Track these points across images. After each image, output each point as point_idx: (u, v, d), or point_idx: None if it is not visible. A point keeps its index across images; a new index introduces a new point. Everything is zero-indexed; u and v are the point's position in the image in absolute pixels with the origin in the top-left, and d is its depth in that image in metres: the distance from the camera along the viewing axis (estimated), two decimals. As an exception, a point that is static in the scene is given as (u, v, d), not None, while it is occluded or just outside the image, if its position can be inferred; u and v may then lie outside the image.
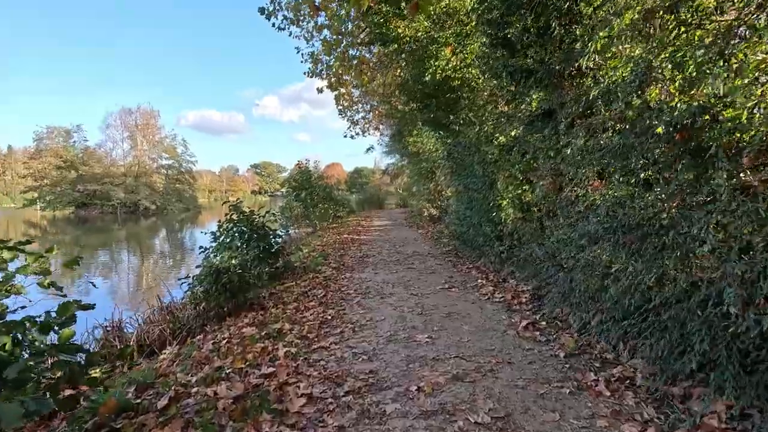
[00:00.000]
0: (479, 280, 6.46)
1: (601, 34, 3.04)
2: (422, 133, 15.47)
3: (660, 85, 2.78)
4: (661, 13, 2.76)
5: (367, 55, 13.98)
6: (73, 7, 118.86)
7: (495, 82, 6.49)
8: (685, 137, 2.58)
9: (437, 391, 3.08)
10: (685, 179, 2.55)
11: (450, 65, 7.13)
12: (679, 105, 2.62)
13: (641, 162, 2.98)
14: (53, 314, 2.79)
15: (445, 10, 7.02)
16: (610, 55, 3.30)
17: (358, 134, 18.25)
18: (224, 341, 4.56)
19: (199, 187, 67.35)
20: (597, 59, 3.38)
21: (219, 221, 7.63)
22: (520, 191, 5.58)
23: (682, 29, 2.58)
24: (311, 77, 13.13)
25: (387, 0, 6.87)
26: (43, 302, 3.05)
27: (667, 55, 2.68)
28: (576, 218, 3.91)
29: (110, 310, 6.23)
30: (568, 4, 3.86)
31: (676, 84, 2.65)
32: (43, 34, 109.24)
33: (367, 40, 9.23)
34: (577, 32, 3.72)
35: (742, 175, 2.32)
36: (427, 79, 7.36)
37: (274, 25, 10.67)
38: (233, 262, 5.79)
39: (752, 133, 2.27)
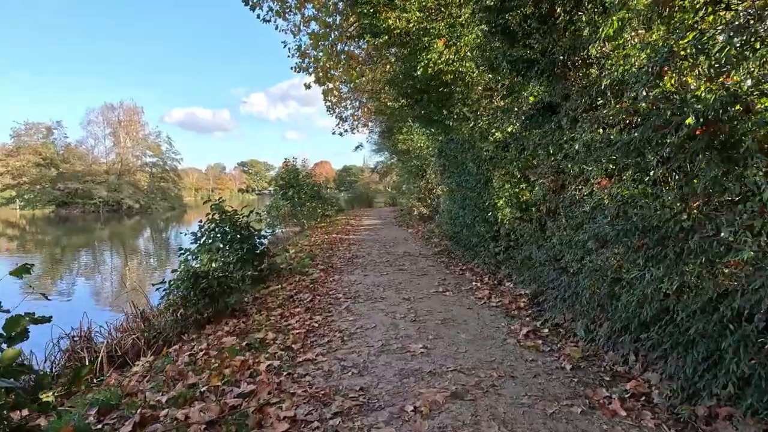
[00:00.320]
0: (474, 283, 6.19)
1: (614, 17, 2.76)
2: (412, 131, 15.18)
3: (685, 73, 2.52)
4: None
5: (356, 51, 13.66)
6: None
7: (490, 75, 6.22)
8: (711, 130, 2.31)
9: (435, 411, 2.78)
10: (712, 177, 2.28)
11: (443, 58, 6.84)
12: (704, 95, 2.35)
13: (658, 158, 2.71)
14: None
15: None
16: (621, 41, 3.03)
17: (347, 131, 17.88)
18: (201, 353, 4.20)
19: (185, 185, 66.05)
20: (607, 46, 3.11)
21: (200, 221, 7.23)
22: (517, 190, 5.31)
23: (709, 9, 2.32)
24: (298, 72, 12.73)
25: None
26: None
27: (690, 38, 2.41)
28: (581, 219, 3.64)
29: (94, 314, 5.83)
30: (573, -12, 3.60)
31: (702, 71, 2.39)
32: (22, 26, 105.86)
33: (356, 33, 8.88)
34: (584, 18, 3.45)
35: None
36: (418, 72, 7.06)
37: (259, 17, 10.26)
38: (213, 265, 5.41)
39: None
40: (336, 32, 10.15)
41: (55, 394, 2.91)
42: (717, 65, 2.29)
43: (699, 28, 2.39)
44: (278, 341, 4.28)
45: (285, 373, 3.50)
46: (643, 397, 2.76)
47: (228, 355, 3.93)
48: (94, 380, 4.57)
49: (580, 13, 3.57)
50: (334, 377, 3.40)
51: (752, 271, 2.11)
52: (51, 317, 2.72)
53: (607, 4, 3.01)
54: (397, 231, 14.85)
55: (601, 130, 3.39)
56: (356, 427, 2.65)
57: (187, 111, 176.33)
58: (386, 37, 7.08)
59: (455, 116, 6.80)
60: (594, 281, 3.38)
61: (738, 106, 2.18)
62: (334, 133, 18.47)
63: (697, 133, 2.36)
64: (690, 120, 2.18)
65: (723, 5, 2.29)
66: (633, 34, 2.90)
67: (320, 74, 11.37)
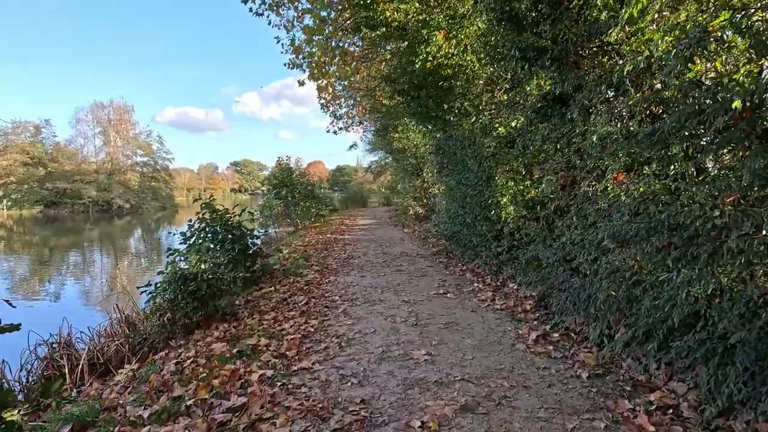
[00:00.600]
0: (475, 284, 5.96)
1: (638, -4, 2.53)
2: (408, 129, 14.95)
3: (719, 56, 2.30)
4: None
5: (351, 48, 13.38)
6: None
7: (492, 68, 5.99)
8: (752, 117, 2.09)
9: (445, 427, 2.53)
10: (754, 168, 2.06)
11: (442, 51, 6.60)
12: (742, 78, 2.13)
13: (686, 150, 2.49)
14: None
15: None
16: (643, 24, 2.81)
17: (341, 129, 17.57)
18: (189, 360, 3.92)
19: (177, 185, 65.20)
20: (627, 31, 2.88)
21: (189, 220, 6.93)
22: (521, 187, 5.09)
23: (749, -16, 2.10)
24: (292, 68, 12.41)
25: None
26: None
27: (726, 17, 2.19)
28: (595, 217, 3.42)
29: (83, 316, 5.52)
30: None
31: (739, 53, 2.17)
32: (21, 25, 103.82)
33: (351, 26, 8.62)
34: (599, 2, 3.23)
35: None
36: (417, 66, 6.81)
37: (251, 10, 9.95)
38: (203, 266, 5.12)
39: None
40: (330, 26, 9.87)
41: (22, 412, 2.62)
42: (758, 46, 2.07)
43: (736, 4, 2.18)
44: (272, 348, 4.01)
45: (279, 384, 3.24)
46: (671, 410, 2.54)
47: (217, 363, 3.65)
48: (74, 390, 4.27)
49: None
50: (333, 388, 3.14)
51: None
52: (20, 325, 2.44)
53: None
54: (392, 231, 14.61)
55: (617, 122, 3.17)
56: (358, 446, 2.40)
57: (179, 110, 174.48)
58: (384, 29, 6.83)
59: (456, 111, 6.57)
60: (611, 283, 3.15)
61: (784, 90, 1.96)
62: (328, 132, 18.17)
63: (736, 120, 2.13)
64: (737, 104, 1.95)
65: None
66: (656, 16, 2.69)
67: (314, 69, 11.08)
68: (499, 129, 5.40)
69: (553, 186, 4.22)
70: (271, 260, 8.16)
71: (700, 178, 2.52)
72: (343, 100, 17.82)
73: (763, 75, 2.02)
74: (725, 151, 2.24)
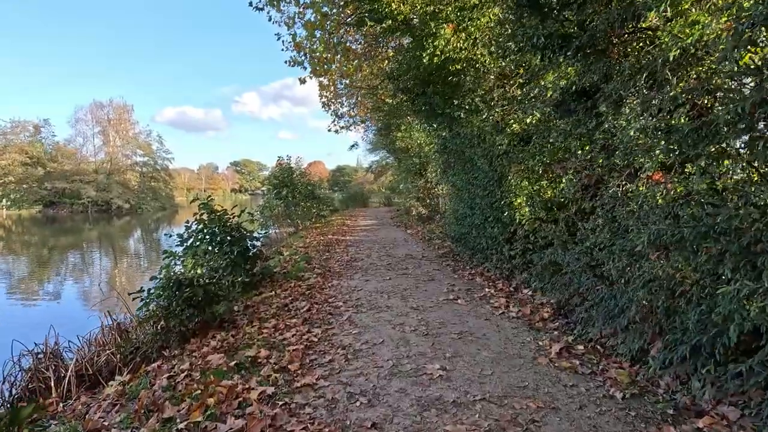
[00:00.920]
0: (487, 289, 5.66)
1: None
2: (411, 128, 14.68)
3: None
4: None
5: (353, 45, 13.09)
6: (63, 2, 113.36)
7: (507, 61, 5.70)
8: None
9: (469, 459, 2.23)
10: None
11: (450, 45, 6.30)
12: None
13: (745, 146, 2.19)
14: None
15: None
16: (687, 5, 2.51)
17: (342, 128, 17.26)
18: (183, 374, 3.62)
19: (177, 185, 64.88)
20: (668, 13, 2.59)
21: (186, 221, 6.64)
22: (537, 187, 4.79)
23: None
24: (293, 65, 12.08)
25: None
26: None
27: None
28: (626, 220, 3.12)
29: (82, 319, 5.24)
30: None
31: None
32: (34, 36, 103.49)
33: (354, 21, 8.32)
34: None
35: None
36: (424, 61, 6.51)
37: (251, 4, 9.66)
38: (198, 271, 4.83)
39: None
40: (333, 21, 9.58)
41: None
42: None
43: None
44: (272, 360, 3.72)
45: (280, 403, 2.94)
46: (726, 440, 2.25)
47: (213, 378, 3.35)
48: (60, 404, 3.98)
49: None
50: (340, 408, 2.84)
51: None
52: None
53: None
54: (395, 232, 14.31)
55: (653, 116, 2.87)
56: (372, 482, 2.10)
57: (179, 110, 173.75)
58: (389, 22, 6.53)
59: (466, 108, 6.27)
60: (647, 293, 2.85)
61: None
62: (329, 130, 17.85)
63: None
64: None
65: None
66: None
67: (317, 65, 10.78)
68: (514, 126, 5.10)
69: (575, 186, 3.92)
70: (272, 263, 7.87)
71: (758, 179, 2.22)
72: (344, 98, 17.54)
73: None
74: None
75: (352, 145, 31.49)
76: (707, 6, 2.47)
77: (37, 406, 3.30)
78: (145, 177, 53.81)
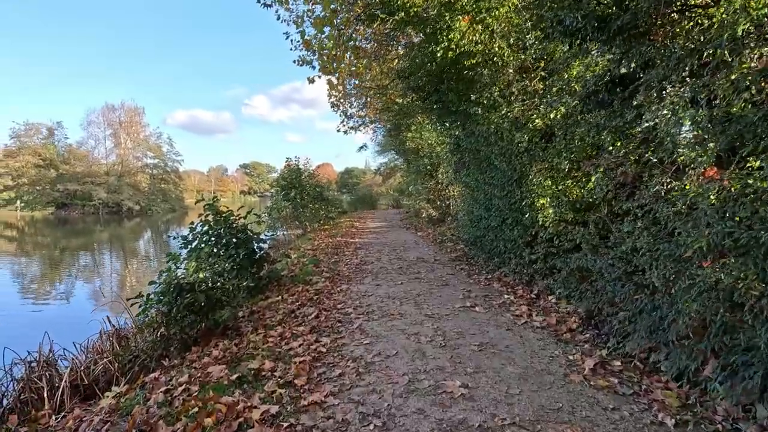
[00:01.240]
0: (506, 296, 5.32)
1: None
2: (422, 127, 14.38)
3: None
4: None
5: (363, 44, 12.84)
6: (63, 2, 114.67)
7: (524, 55, 5.37)
8: None
9: (503, 500, 1.91)
10: None
11: (466, 39, 5.98)
12: None
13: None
14: None
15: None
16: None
17: (351, 129, 16.99)
18: (181, 388, 3.35)
19: (187, 187, 65.25)
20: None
21: (191, 224, 6.40)
22: (563, 186, 4.44)
23: None
24: (301, 65, 11.86)
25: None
26: None
27: None
28: (674, 221, 2.77)
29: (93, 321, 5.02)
30: None
31: None
32: (33, 36, 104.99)
33: (365, 16, 8.04)
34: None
35: None
36: (438, 56, 6.20)
37: (259, 0, 9.44)
38: (201, 275, 4.56)
39: None
40: (342, 17, 9.31)
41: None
42: None
43: None
44: (277, 373, 3.43)
45: (285, 425, 2.64)
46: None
47: (213, 395, 3.07)
48: (53, 417, 3.72)
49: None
50: (352, 432, 2.54)
51: None
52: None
53: None
54: (405, 234, 13.99)
55: (705, 104, 2.53)
56: None
57: (189, 113, 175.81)
58: (401, 15, 6.24)
59: (484, 103, 5.93)
60: (701, 305, 2.50)
61: None
62: (338, 131, 17.60)
63: None
64: None
65: None
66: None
67: (325, 62, 10.53)
68: (536, 121, 4.76)
69: (608, 184, 3.58)
70: (279, 266, 7.60)
71: None
72: (353, 99, 17.29)
73: None
74: None
75: (361, 147, 31.36)
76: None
77: (29, 419, 3.03)
78: (155, 179, 54.16)
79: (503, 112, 5.45)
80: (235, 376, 3.38)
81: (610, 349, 3.42)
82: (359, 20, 8.33)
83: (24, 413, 3.90)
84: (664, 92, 2.84)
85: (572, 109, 4.20)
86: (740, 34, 2.13)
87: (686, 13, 2.76)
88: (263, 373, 3.44)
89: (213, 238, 6.30)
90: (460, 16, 5.93)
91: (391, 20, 6.45)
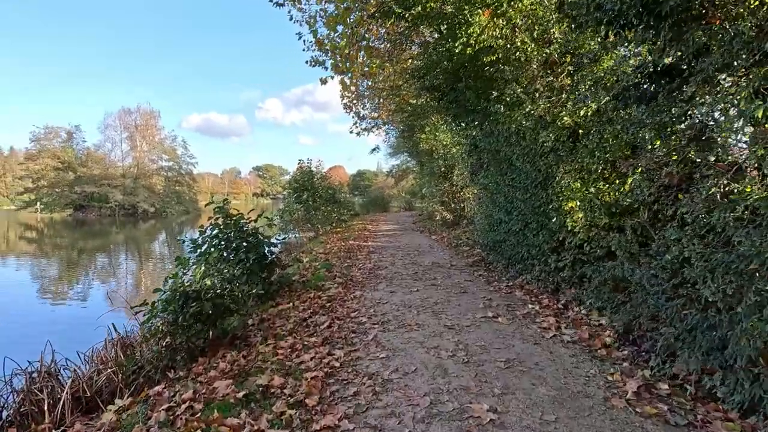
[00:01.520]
0: (530, 305, 4.99)
1: None
2: (437, 128, 14.08)
3: None
4: None
5: (376, 44, 12.63)
6: (63, 2, 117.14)
7: (549, 49, 5.05)
8: None
9: None
10: None
11: (486, 34, 5.69)
12: None
13: None
14: None
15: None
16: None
17: (364, 130, 16.78)
18: (185, 404, 3.12)
19: (201, 189, 65.94)
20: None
21: (200, 227, 6.22)
22: (594, 188, 4.11)
23: None
24: (314, 66, 11.73)
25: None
26: None
27: None
28: (734, 228, 2.44)
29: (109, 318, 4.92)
30: None
31: None
32: (33, 36, 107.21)
33: (379, 14, 7.80)
34: None
35: None
36: (456, 52, 5.91)
37: (271, 0, 9.28)
38: (208, 282, 4.34)
39: None
40: (355, 13, 9.09)
41: None
42: None
43: None
44: (287, 390, 3.17)
45: (295, 454, 2.38)
46: None
47: (218, 415, 2.83)
48: (53, 432, 3.54)
49: None
50: (369, 465, 2.26)
51: None
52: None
53: None
54: (419, 237, 13.69)
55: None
56: None
57: (204, 116, 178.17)
58: (418, 9, 5.97)
59: (506, 101, 5.63)
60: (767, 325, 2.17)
61: None
62: (351, 133, 17.44)
63: None
64: None
65: None
66: None
67: (338, 61, 10.32)
68: (565, 119, 4.43)
69: (650, 186, 3.24)
70: (290, 270, 7.38)
71: None
72: (366, 100, 17.09)
73: None
74: None
75: (374, 149, 31.18)
76: None
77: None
78: (170, 181, 54.79)
79: (527, 110, 5.14)
80: (242, 394, 3.14)
81: (654, 369, 3.08)
82: (373, 18, 8.08)
83: (24, 426, 3.73)
84: (720, 81, 2.52)
85: (604, 106, 3.88)
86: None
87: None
88: (272, 390, 3.19)
89: (222, 242, 6.11)
90: (480, 10, 5.64)
91: (408, 15, 6.19)
